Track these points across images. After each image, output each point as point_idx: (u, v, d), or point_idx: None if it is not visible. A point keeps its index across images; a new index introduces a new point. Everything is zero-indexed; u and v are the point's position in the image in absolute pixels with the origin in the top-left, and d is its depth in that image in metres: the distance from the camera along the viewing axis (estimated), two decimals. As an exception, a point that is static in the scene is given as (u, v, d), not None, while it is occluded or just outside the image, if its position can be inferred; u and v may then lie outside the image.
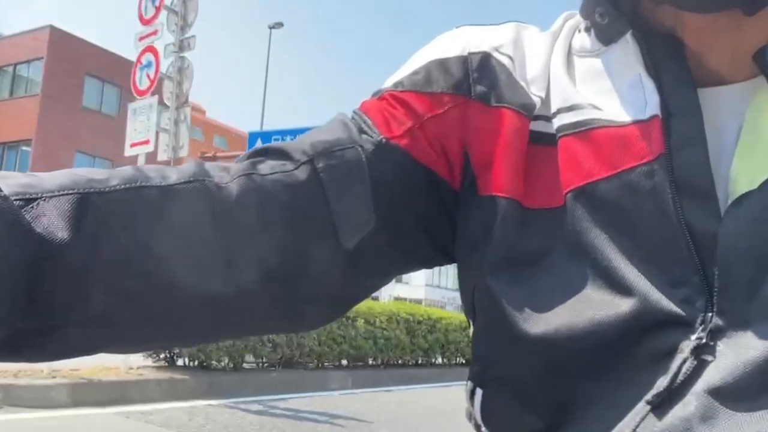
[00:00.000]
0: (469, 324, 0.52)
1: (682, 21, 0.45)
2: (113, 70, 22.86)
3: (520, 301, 0.44)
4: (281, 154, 0.47)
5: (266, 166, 0.46)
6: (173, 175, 0.42)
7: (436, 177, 0.50)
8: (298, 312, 0.48)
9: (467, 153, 0.49)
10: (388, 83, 0.52)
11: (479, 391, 0.48)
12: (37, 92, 21.56)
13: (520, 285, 0.45)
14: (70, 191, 0.38)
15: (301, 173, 0.45)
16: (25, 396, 5.33)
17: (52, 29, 21.63)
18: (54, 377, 5.74)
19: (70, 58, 21.82)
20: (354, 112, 0.52)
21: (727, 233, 0.39)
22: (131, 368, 6.65)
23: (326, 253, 0.46)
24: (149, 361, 6.97)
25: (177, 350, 6.88)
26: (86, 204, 0.38)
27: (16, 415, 4.95)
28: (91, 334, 0.39)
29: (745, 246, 0.39)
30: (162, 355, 7.03)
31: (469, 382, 0.50)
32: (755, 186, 0.40)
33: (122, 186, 0.40)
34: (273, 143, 0.48)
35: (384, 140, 0.48)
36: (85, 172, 0.40)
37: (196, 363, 7.12)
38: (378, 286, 0.53)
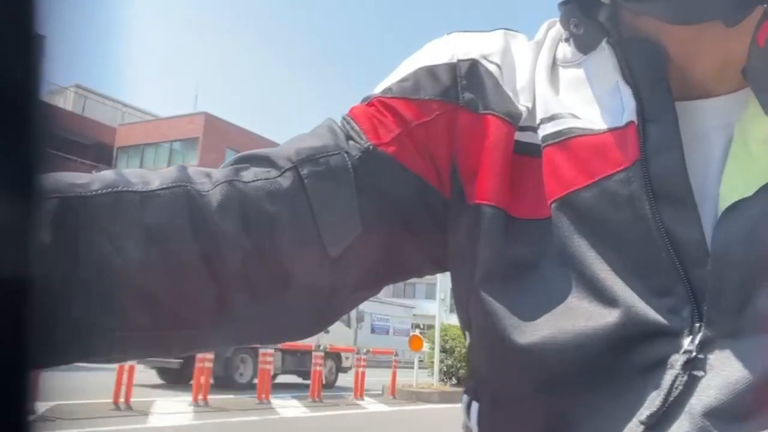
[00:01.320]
0: (465, 337, 0.51)
1: (665, 32, 0.44)
2: (245, 142, 27.71)
3: (510, 314, 0.44)
4: (266, 160, 0.46)
5: (250, 173, 0.45)
6: (155, 181, 0.42)
7: (424, 184, 0.49)
8: (283, 322, 0.48)
9: (455, 161, 0.49)
10: (378, 89, 0.51)
11: (475, 405, 0.48)
12: (194, 164, 26.30)
13: (510, 296, 0.45)
14: (52, 194, 0.37)
15: (285, 180, 0.45)
16: (397, 397, 9.85)
17: (207, 115, 26.47)
18: (403, 387, 10.19)
19: (216, 136, 26.58)
20: (343, 117, 0.51)
21: (719, 240, 0.39)
22: (432, 384, 10.99)
23: (311, 261, 0.45)
24: (429, 379, 11.25)
25: (444, 371, 11.25)
26: (67, 207, 0.37)
27: (395, 407, 9.37)
28: (65, 340, 0.37)
29: (739, 254, 0.38)
30: (434, 376, 11.34)
31: (465, 396, 0.50)
32: (748, 195, 0.39)
33: (103, 191, 0.39)
34: (258, 150, 0.48)
35: (371, 147, 0.48)
36: (67, 177, 0.39)
37: (448, 379, 11.41)
38: (366, 296, 0.52)
